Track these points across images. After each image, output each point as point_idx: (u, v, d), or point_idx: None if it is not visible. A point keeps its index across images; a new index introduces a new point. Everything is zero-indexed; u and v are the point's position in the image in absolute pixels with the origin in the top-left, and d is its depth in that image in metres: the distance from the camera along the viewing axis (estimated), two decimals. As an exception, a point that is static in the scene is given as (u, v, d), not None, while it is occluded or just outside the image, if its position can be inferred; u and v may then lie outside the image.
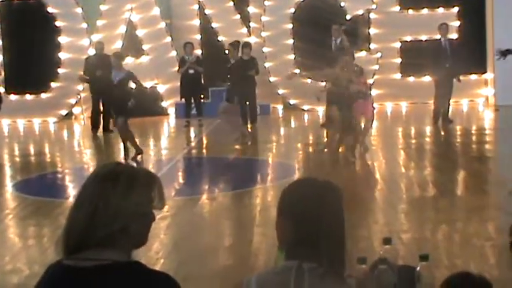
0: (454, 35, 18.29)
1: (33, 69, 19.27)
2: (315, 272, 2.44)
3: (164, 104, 20.13)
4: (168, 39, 20.27)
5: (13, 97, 19.80)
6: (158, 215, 8.23)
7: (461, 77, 16.08)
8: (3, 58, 19.98)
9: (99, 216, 2.34)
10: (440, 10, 19.80)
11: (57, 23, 20.07)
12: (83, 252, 2.35)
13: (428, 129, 15.68)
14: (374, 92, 20.05)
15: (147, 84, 20.14)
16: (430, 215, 8.68)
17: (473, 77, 19.43)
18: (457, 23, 19.28)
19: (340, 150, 12.19)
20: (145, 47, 20.29)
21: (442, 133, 14.87)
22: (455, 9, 19.63)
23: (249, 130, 16.55)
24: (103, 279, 2.32)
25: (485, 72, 19.65)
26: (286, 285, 2.45)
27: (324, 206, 2.51)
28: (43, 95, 20.18)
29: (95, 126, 17.43)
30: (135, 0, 20.18)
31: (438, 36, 16.84)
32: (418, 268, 2.97)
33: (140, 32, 20.29)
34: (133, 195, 2.37)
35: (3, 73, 19.98)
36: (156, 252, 7.36)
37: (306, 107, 19.83)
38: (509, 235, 3.29)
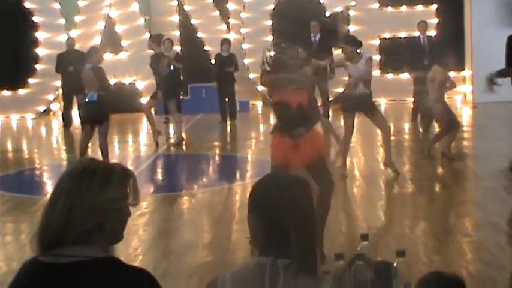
0: (432, 33, 18.38)
1: (10, 65, 19.13)
2: (289, 268, 2.44)
3: (143, 100, 20.05)
4: (147, 35, 20.17)
5: (-10, 93, 19.69)
6: (137, 212, 8.25)
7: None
8: (-20, 54, 19.84)
9: (74, 213, 2.33)
10: (419, 7, 19.90)
11: (35, 19, 19.94)
12: (58, 248, 2.34)
13: (406, 126, 15.77)
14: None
15: (126, 80, 20.12)
16: (408, 211, 8.73)
17: (452, 74, 19.48)
18: (435, 21, 19.38)
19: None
20: (124, 43, 20.21)
21: (421, 130, 14.92)
22: (434, 7, 19.74)
23: (229, 128, 16.57)
24: (79, 275, 2.31)
25: (463, 69, 19.76)
26: (261, 283, 2.44)
27: (294, 201, 2.48)
28: (21, 91, 20.05)
29: (67, 123, 17.37)
30: (114, -4, 20.10)
31: (417, 34, 16.92)
32: (395, 264, 2.99)
33: (119, 28, 20.21)
34: (109, 192, 2.37)
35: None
36: (134, 249, 7.34)
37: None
38: (507, 224, 3.29)
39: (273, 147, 6.62)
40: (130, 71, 19.97)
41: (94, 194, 2.35)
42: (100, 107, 11.39)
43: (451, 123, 11.55)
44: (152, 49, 15.64)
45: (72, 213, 2.33)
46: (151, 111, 15.05)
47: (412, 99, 16.51)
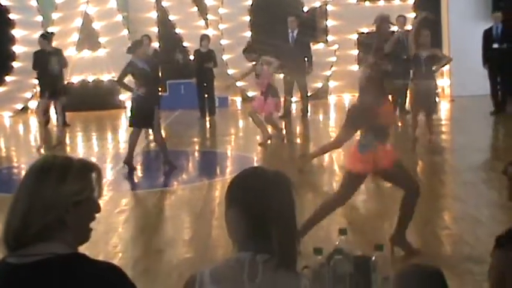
0: (410, 27, 18.44)
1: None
2: (268, 264, 2.44)
3: (121, 97, 19.99)
4: (125, 32, 20.11)
5: (-33, 91, 19.52)
6: (116, 209, 8.21)
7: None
8: (-43, 52, 19.64)
9: (33, 209, 2.32)
10: (397, 2, 20.00)
11: (11, 16, 19.79)
12: (24, 248, 2.33)
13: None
14: (332, 83, 20.25)
15: (105, 77, 20.03)
16: (387, 205, 8.76)
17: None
18: (413, 15, 19.43)
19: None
20: (101, 40, 20.12)
21: (399, 124, 14.99)
22: (411, 1, 19.82)
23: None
24: (45, 273, 2.29)
25: (441, 63, 19.86)
26: (240, 278, 2.44)
27: (273, 196, 2.47)
28: (-2, 89, 19.90)
29: (46, 121, 17.21)
30: (91, -7, 20.00)
31: (395, 28, 16.97)
32: (373, 258, 3.00)
33: (97, 25, 20.11)
34: (66, 186, 2.35)
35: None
36: (114, 246, 7.32)
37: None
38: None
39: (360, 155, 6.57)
40: (108, 68, 19.87)
41: (51, 189, 2.33)
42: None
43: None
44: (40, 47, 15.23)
45: (31, 211, 2.32)
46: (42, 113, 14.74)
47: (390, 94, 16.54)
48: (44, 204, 2.33)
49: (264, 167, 2.67)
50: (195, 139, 14.89)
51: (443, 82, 19.78)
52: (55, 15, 19.89)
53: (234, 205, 2.55)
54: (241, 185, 2.56)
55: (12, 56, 19.67)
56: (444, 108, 17.87)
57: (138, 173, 11.93)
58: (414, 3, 19.76)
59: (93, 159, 10.63)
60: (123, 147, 14.48)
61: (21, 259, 2.32)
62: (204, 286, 2.47)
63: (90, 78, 20.05)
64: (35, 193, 2.34)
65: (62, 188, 2.34)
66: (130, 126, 11.51)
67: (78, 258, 2.35)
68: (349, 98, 19.87)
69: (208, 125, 17.07)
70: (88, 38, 20.02)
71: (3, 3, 19.73)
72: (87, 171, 2.43)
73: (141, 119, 11.16)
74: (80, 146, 15.01)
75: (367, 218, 8.18)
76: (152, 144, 14.47)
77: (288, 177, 2.57)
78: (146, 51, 11.08)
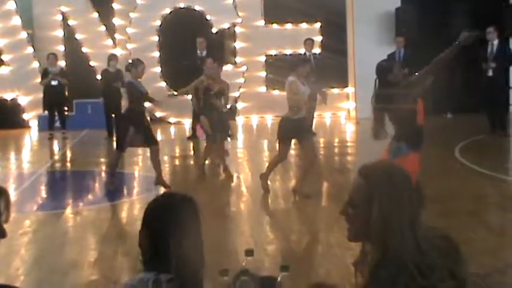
0: (317, 50, 18.79)
1: None
2: (172, 283, 2.51)
3: (26, 116, 19.55)
4: (30, 49, 19.72)
5: None
6: (19, 230, 8.00)
7: (325, 90, 16.52)
8: None
9: None
10: (304, 25, 20.34)
11: None
12: None
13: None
14: (240, 105, 20.38)
15: (8, 96, 19.56)
16: (294, 225, 8.86)
17: (336, 90, 20.01)
18: (319, 38, 19.82)
19: (206, 162, 12.25)
20: (5, 57, 19.66)
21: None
22: (318, 25, 20.21)
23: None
24: None
25: (346, 86, 20.30)
26: None
27: (178, 218, 2.62)
28: None
29: None
30: (-6, 10, 19.56)
31: (302, 51, 17.26)
32: (279, 279, 3.03)
33: (0, 42, 19.64)
34: None
35: None
36: (16, 269, 7.12)
37: (172, 120, 19.84)
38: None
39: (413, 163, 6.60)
40: (12, 86, 19.43)
41: None
42: None
43: None
44: None
45: None
46: None
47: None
48: None
49: (173, 192, 2.84)
50: (102, 159, 14.68)
51: (348, 105, 20.23)
52: (-44, 32, 19.36)
53: (144, 228, 2.70)
54: (152, 208, 2.73)
55: None
56: (350, 130, 18.24)
57: (43, 194, 11.67)
58: (320, 26, 20.15)
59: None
60: (27, 167, 14.17)
61: None
62: None
63: (-7, 96, 19.54)
64: None
65: None
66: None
67: None
68: (257, 119, 20.05)
69: (115, 145, 16.86)
70: (-9, 55, 19.56)
71: None
72: None
73: None
74: None
75: (275, 239, 8.23)
76: (57, 164, 14.22)
77: (194, 200, 2.71)
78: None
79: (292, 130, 10.01)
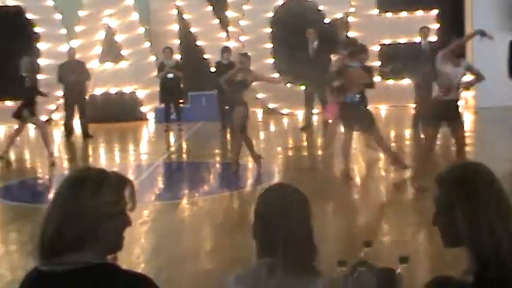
0: (433, 38, 18.35)
1: (13, 76, 19.09)
2: (285, 268, 2.68)
3: (143, 109, 20.07)
4: (147, 44, 20.22)
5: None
6: (139, 220, 8.20)
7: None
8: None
9: (67, 220, 2.35)
10: (419, 13, 19.89)
11: (36, 29, 19.97)
12: (57, 257, 2.35)
13: (407, 132, 15.75)
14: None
15: (126, 89, 20.13)
16: (411, 217, 8.70)
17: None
18: (436, 26, 19.35)
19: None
20: (124, 52, 20.22)
21: (422, 136, 14.90)
22: (434, 12, 19.73)
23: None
24: (76, 282, 2.32)
25: (465, 74, 19.70)
26: (259, 280, 2.70)
27: (289, 211, 2.79)
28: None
29: (69, 133, 17.33)
30: (114, 6, 20.13)
31: (418, 39, 16.89)
32: (398, 270, 2.97)
33: (119, 38, 20.23)
34: (100, 198, 2.38)
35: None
36: (136, 257, 7.33)
37: (285, 111, 19.87)
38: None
39: None
40: (130, 80, 19.97)
41: (85, 201, 2.36)
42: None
43: None
44: None
45: (66, 221, 2.35)
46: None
47: (414, 105, 16.48)
48: (78, 214, 2.35)
49: (285, 184, 3.02)
50: (216, 151, 14.88)
51: (467, 93, 19.66)
52: (78, 28, 20.04)
53: (257, 218, 2.85)
54: (263, 199, 2.89)
55: (37, 69, 19.80)
56: (468, 120, 17.75)
57: (160, 184, 11.95)
58: (437, 14, 19.65)
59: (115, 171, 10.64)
60: (144, 158, 14.54)
61: (53, 267, 2.35)
62: (228, 286, 2.77)
63: (113, 90, 20.15)
64: (71, 203, 2.37)
65: (95, 200, 2.37)
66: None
67: (110, 268, 2.38)
68: (384, 109, 19.71)
69: (229, 137, 17.05)
70: (110, 51, 20.15)
71: (28, 17, 19.91)
72: (122, 185, 2.46)
73: None
74: (102, 157, 15.06)
75: (391, 231, 8.11)
76: (173, 156, 14.53)
77: (303, 194, 2.87)
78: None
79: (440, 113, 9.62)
